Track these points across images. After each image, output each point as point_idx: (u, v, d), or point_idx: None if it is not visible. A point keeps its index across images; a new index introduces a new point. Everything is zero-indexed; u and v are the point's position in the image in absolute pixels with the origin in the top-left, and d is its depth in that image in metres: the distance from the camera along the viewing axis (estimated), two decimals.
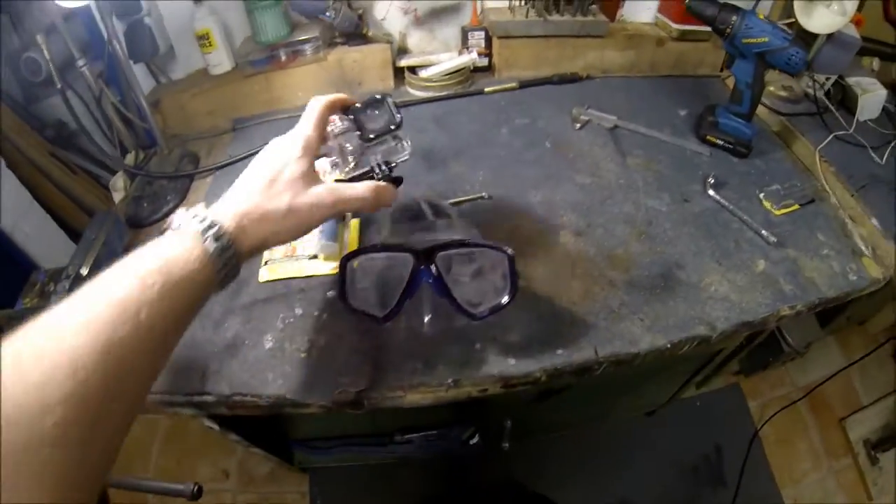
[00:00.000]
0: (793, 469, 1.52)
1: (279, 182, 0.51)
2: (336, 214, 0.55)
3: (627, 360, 0.68)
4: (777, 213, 0.87)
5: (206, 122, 1.13)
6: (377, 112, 0.64)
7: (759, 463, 1.49)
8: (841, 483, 1.52)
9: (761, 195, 0.89)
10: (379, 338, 0.68)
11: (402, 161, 0.66)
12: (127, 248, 0.87)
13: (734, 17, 0.87)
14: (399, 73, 1.16)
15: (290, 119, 1.07)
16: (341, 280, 0.63)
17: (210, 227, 0.46)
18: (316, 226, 0.54)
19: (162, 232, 0.48)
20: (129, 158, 1.09)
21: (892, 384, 1.61)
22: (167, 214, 0.97)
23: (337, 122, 0.63)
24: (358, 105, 0.64)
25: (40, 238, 1.15)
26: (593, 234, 0.82)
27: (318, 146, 0.57)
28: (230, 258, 0.47)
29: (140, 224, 0.96)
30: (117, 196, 1.08)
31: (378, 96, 0.64)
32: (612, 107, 1.07)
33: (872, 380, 1.63)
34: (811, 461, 1.54)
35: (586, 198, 0.88)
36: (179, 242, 0.44)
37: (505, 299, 0.62)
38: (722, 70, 1.20)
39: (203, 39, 1.07)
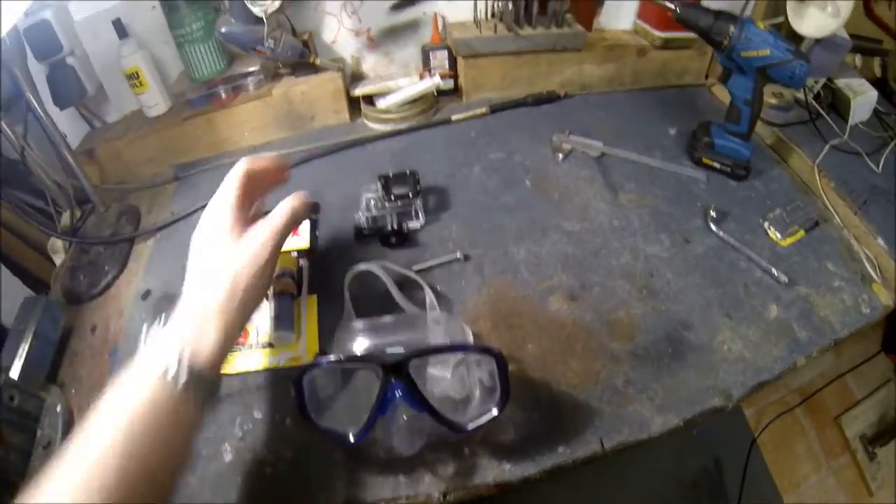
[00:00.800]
0: (793, 474, 1.49)
1: (204, 253, 0.51)
2: (283, 236, 0.54)
3: (636, 445, 0.61)
4: (783, 243, 0.80)
5: (147, 170, 1.02)
6: (403, 182, 0.81)
7: (760, 472, 1.45)
8: (841, 482, 1.50)
9: (766, 224, 0.82)
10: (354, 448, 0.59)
11: (414, 229, 0.80)
12: (65, 335, 0.78)
13: (732, 28, 0.78)
14: (355, 103, 1.05)
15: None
16: (299, 396, 0.54)
17: (179, 361, 0.44)
18: (273, 260, 0.52)
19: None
20: (65, 218, 0.97)
21: (882, 376, 1.58)
22: (107, 287, 0.86)
23: (372, 187, 0.82)
24: (390, 175, 0.81)
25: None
26: (589, 296, 0.73)
27: (245, 208, 0.54)
28: (204, 382, 0.46)
29: (78, 300, 0.85)
30: (58, 259, 0.96)
31: (407, 171, 0.82)
32: (595, 129, 0.98)
33: (864, 375, 1.60)
34: (811, 464, 1.51)
35: (578, 249, 0.79)
36: (147, 387, 0.43)
37: (494, 412, 0.54)
38: (707, 77, 1.11)
39: (133, 79, 0.94)
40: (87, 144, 0.99)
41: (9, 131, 0.83)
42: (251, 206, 0.56)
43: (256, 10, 0.85)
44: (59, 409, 0.70)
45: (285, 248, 0.77)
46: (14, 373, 0.70)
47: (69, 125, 1.02)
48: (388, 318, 0.63)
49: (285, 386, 0.65)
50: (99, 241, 0.89)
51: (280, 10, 0.86)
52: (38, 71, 0.90)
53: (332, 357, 0.54)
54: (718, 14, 0.79)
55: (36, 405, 0.70)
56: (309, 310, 0.73)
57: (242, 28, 0.87)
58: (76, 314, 0.83)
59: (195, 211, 0.91)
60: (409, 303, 0.68)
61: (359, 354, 0.57)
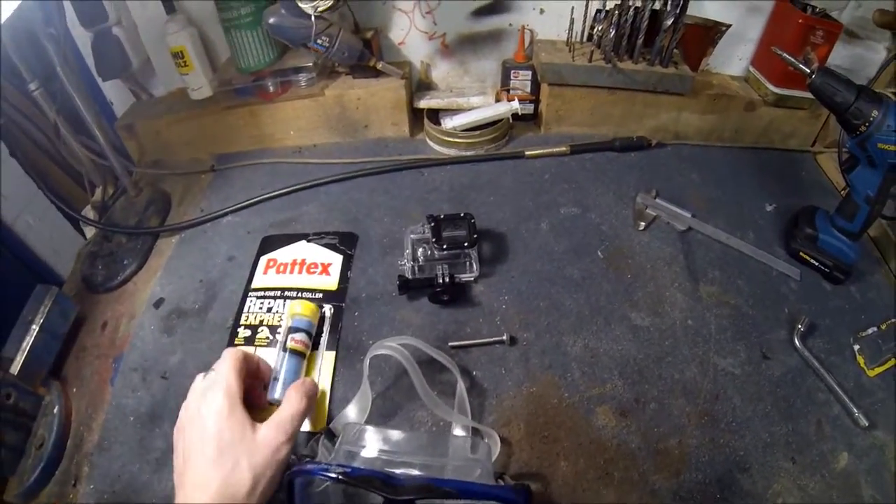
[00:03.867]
0: None
1: (227, 454, 0.47)
2: (296, 432, 0.52)
3: None
4: (871, 373, 0.69)
5: (185, 153, 0.97)
6: (457, 226, 0.73)
7: None
8: None
9: (856, 347, 0.71)
10: None
11: (466, 281, 0.72)
12: (76, 324, 0.75)
13: (875, 113, 0.64)
14: (417, 114, 0.94)
15: (277, 165, 0.90)
16: (289, 497, 0.49)
17: None
18: (285, 461, 0.50)
19: None
20: (97, 194, 0.92)
21: None
22: (123, 282, 0.82)
23: (419, 228, 0.74)
24: (442, 216, 0.73)
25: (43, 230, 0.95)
26: (642, 414, 0.63)
27: (241, 389, 0.52)
28: None
29: (94, 290, 0.82)
30: (89, 232, 0.93)
31: (462, 214, 0.73)
32: (685, 193, 0.86)
33: None
34: None
35: (641, 352, 0.68)
36: None
37: None
38: (814, 144, 0.95)
39: (178, 58, 0.87)
40: (128, 118, 0.95)
41: (44, 104, 0.78)
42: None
43: (305, 7, 0.74)
44: (56, 410, 0.68)
45: (309, 287, 0.73)
46: (15, 367, 0.67)
47: (116, 95, 0.98)
48: (401, 434, 0.55)
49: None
50: (123, 231, 0.85)
51: (333, 8, 0.75)
52: (84, 39, 0.87)
53: (332, 472, 0.47)
54: (861, 91, 0.65)
55: (33, 404, 0.68)
56: (325, 369, 0.66)
57: (293, 21, 0.76)
58: (89, 304, 0.80)
59: (224, 213, 0.85)
60: (436, 397, 0.59)
61: (363, 471, 0.49)
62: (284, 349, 0.62)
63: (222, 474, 0.46)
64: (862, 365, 0.69)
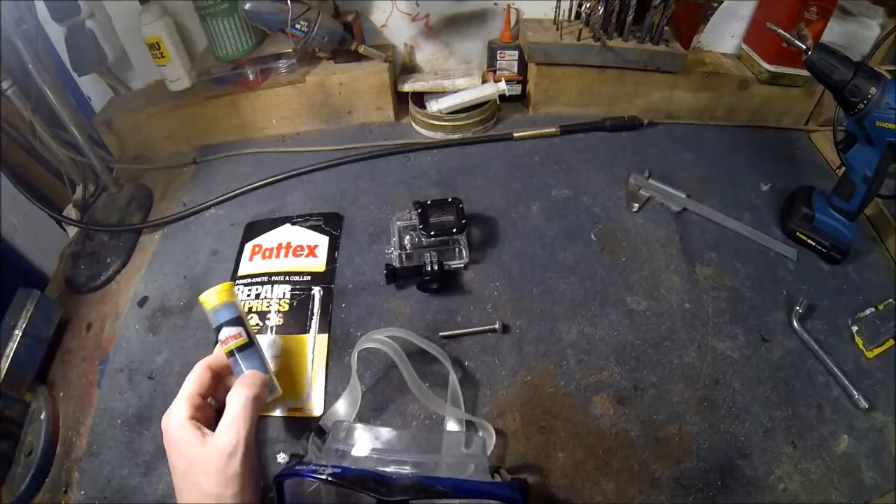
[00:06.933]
0: None
1: (189, 476, 0.47)
2: (248, 431, 0.48)
3: None
4: (870, 354, 0.68)
5: (167, 147, 0.94)
6: (444, 211, 0.70)
7: None
8: None
9: (854, 329, 0.70)
10: None
11: (455, 268, 0.70)
12: (60, 327, 0.73)
13: (872, 90, 0.62)
14: (402, 98, 0.92)
15: (260, 155, 0.88)
16: (279, 499, 0.48)
17: None
18: (245, 461, 0.47)
19: None
20: (78, 192, 0.90)
21: None
22: (107, 282, 0.80)
23: (405, 215, 0.72)
24: (428, 202, 0.71)
25: (28, 230, 0.93)
26: (640, 401, 0.62)
27: (202, 397, 0.51)
28: None
29: (78, 290, 0.80)
30: (72, 232, 0.91)
31: (450, 199, 0.71)
32: (679, 173, 0.84)
33: None
34: None
35: (638, 337, 0.67)
36: None
37: None
38: (807, 122, 0.94)
39: (154, 49, 0.84)
40: (107, 113, 0.92)
41: (19, 103, 0.75)
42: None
43: None
44: (43, 416, 0.66)
45: (297, 270, 0.72)
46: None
47: (94, 90, 0.95)
48: (391, 432, 0.53)
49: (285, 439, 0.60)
50: (104, 228, 0.83)
51: None
52: (57, 34, 0.84)
53: (322, 474, 0.46)
54: (859, 67, 0.63)
55: (20, 410, 0.66)
56: (318, 351, 0.65)
57: (269, 6, 0.74)
58: (73, 305, 0.78)
59: (207, 207, 0.83)
60: (427, 389, 0.58)
61: (355, 471, 0.48)
62: (229, 353, 0.53)
63: (190, 499, 0.47)
64: (860, 346, 0.68)
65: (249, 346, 0.54)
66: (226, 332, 0.53)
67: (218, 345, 0.55)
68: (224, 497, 0.45)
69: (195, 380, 0.51)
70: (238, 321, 0.54)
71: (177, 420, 0.48)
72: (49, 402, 0.67)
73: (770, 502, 0.57)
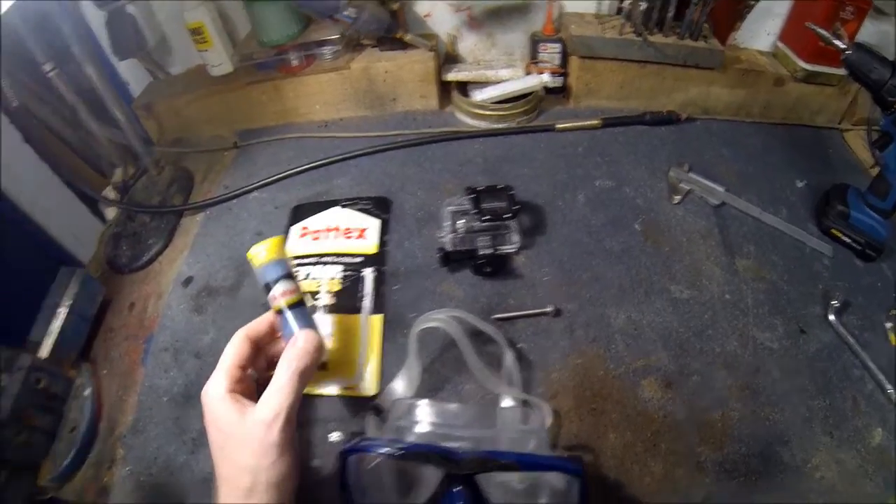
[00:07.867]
0: None
1: (227, 447, 0.46)
2: (291, 406, 0.46)
3: None
4: None
5: (207, 130, 0.95)
6: (496, 197, 0.71)
7: None
8: None
9: (888, 325, 0.71)
10: None
11: (508, 252, 0.70)
12: (102, 307, 0.74)
13: None
14: (445, 87, 0.92)
15: (302, 140, 0.89)
16: (342, 475, 0.48)
17: None
18: (285, 438, 0.45)
19: None
20: (118, 174, 0.90)
21: None
22: (149, 262, 0.81)
23: (457, 200, 0.73)
24: (480, 188, 0.71)
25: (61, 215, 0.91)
26: (686, 385, 0.63)
27: (242, 369, 0.49)
28: None
29: (119, 271, 0.81)
30: (109, 215, 0.91)
31: (501, 185, 0.72)
32: (718, 168, 0.85)
33: None
34: None
35: (682, 324, 0.68)
36: None
37: None
38: (841, 121, 0.95)
39: (196, 34, 0.85)
40: (146, 98, 0.92)
41: (61, 85, 0.75)
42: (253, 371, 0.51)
43: None
44: (87, 392, 0.67)
45: (348, 252, 0.72)
46: (44, 351, 0.66)
47: (132, 75, 0.95)
48: (454, 407, 0.54)
49: (338, 418, 0.61)
50: (145, 210, 0.83)
51: None
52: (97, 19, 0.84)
53: (386, 448, 0.46)
54: None
55: (64, 387, 0.67)
56: (372, 332, 0.66)
57: None
58: (115, 286, 0.79)
59: (251, 189, 0.84)
60: (486, 370, 0.58)
61: (421, 447, 0.49)
62: (279, 312, 0.51)
63: (224, 472, 0.46)
64: (894, 343, 0.69)
65: (301, 305, 0.51)
66: (277, 289, 0.50)
67: (268, 307, 0.52)
68: (259, 468, 0.44)
69: (234, 351, 0.49)
70: (290, 277, 0.52)
71: (214, 393, 0.46)
72: (93, 379, 0.68)
73: (806, 488, 0.57)
